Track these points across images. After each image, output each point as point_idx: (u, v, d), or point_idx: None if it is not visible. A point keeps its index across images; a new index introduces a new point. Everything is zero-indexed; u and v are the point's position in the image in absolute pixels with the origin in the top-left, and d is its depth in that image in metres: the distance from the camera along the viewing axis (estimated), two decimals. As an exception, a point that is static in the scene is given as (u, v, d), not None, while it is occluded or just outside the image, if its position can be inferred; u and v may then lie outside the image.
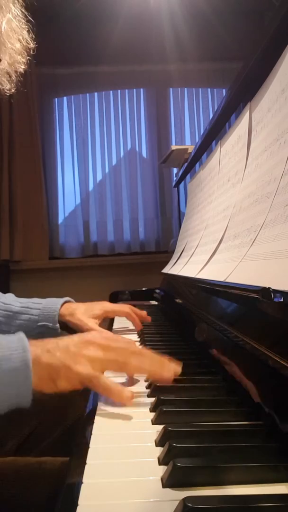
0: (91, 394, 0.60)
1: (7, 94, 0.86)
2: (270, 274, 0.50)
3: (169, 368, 0.59)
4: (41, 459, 0.62)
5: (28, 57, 0.84)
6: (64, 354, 0.56)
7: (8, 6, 0.77)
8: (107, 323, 1.25)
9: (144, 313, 1.10)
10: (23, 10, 0.81)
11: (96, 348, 0.58)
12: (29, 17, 0.83)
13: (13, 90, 0.86)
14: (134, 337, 1.02)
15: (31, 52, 0.84)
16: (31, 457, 0.65)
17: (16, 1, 0.80)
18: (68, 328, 0.96)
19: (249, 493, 0.33)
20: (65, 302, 1.00)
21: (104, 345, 0.59)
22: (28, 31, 0.83)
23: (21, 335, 0.57)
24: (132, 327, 1.10)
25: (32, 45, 0.84)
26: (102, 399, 0.57)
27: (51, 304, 0.97)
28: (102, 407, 0.54)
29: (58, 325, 0.94)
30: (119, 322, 1.23)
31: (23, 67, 0.84)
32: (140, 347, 0.86)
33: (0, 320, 0.95)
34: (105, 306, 1.04)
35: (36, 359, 0.54)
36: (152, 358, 0.60)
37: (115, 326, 1.20)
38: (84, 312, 0.98)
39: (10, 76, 0.83)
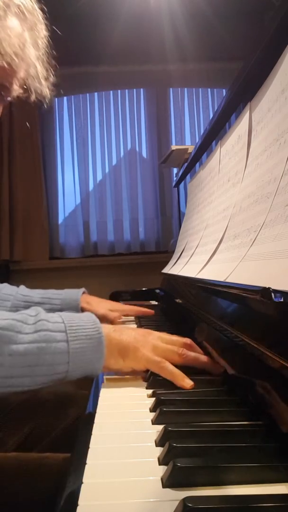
0: (91, 394, 0.60)
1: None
2: (270, 274, 0.50)
3: (188, 383, 0.59)
4: (43, 455, 0.63)
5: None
6: (131, 338, 0.61)
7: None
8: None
9: (151, 311, 1.20)
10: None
11: (157, 338, 0.63)
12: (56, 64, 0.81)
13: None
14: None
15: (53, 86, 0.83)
16: (33, 453, 0.65)
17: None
18: None
19: (249, 493, 0.33)
20: (83, 292, 1.10)
21: (162, 337, 0.64)
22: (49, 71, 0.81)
23: (89, 313, 0.63)
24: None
25: (52, 77, 0.82)
26: (103, 399, 0.57)
27: (72, 294, 1.06)
28: (102, 407, 0.54)
29: (81, 312, 0.99)
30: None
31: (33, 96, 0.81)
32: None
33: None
34: (114, 306, 1.15)
35: (108, 336, 0.59)
36: (195, 360, 0.64)
37: None
38: (99, 301, 1.10)
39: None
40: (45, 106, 0.84)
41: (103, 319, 1.01)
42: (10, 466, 0.61)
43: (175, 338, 0.67)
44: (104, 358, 0.58)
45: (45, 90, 0.79)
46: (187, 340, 0.67)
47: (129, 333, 0.63)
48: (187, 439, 0.42)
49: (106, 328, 0.61)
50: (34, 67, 0.73)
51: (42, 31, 0.73)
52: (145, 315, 1.20)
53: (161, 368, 0.59)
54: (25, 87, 0.74)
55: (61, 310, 1.00)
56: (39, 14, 0.71)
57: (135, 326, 1.11)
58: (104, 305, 1.10)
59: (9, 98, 0.73)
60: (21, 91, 0.74)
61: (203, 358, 0.64)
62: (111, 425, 0.49)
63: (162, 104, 2.92)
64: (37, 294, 1.05)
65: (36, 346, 0.54)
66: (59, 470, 0.56)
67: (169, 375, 0.59)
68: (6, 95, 0.72)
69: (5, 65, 0.65)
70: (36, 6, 0.70)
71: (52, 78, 0.80)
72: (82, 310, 1.03)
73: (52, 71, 0.80)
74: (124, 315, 1.19)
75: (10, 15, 0.65)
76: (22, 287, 1.08)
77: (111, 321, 1.07)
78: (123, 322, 1.17)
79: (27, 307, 0.98)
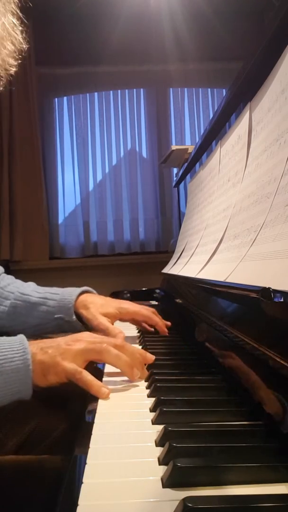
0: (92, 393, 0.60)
1: None
2: (270, 274, 0.50)
3: (136, 374, 0.64)
4: (42, 457, 0.63)
5: (19, 58, 0.83)
6: (55, 351, 0.62)
7: (4, 8, 0.77)
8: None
9: (167, 323, 1.00)
10: (17, 11, 0.80)
11: (83, 342, 0.64)
12: (23, 18, 0.82)
13: (1, 88, 0.86)
14: (134, 334, 1.02)
15: (23, 54, 0.84)
16: (31, 456, 0.65)
17: (12, 1, 0.79)
18: (81, 319, 0.95)
19: (249, 493, 0.33)
20: (83, 292, 0.97)
21: (90, 340, 0.65)
22: (21, 31, 0.83)
23: (22, 337, 0.64)
24: (131, 333, 1.04)
25: (24, 45, 0.84)
26: (103, 399, 0.57)
27: (68, 295, 0.96)
28: (102, 407, 0.54)
29: (74, 317, 0.94)
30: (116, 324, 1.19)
31: (14, 69, 0.84)
32: (138, 346, 0.86)
33: (20, 311, 0.97)
34: (123, 305, 0.97)
35: (32, 357, 0.61)
36: (132, 354, 0.65)
37: None
38: (99, 307, 0.93)
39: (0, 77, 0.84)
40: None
41: (101, 332, 0.87)
42: (8, 469, 0.61)
43: (105, 339, 0.68)
44: (31, 384, 0.60)
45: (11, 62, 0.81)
46: (116, 340, 0.67)
47: (56, 346, 0.63)
48: (187, 439, 0.42)
49: (34, 348, 0.62)
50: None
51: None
52: (160, 324, 0.98)
53: (77, 380, 0.60)
54: None
55: (54, 313, 0.95)
56: None
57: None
58: (106, 309, 0.93)
59: None
60: None
61: (121, 362, 0.64)
62: (111, 425, 0.49)
63: (162, 104, 2.92)
64: (37, 293, 1.00)
65: None
66: (58, 473, 0.56)
67: (84, 385, 0.59)
68: None
69: None
70: None
71: (22, 29, 0.81)
72: (78, 315, 0.93)
73: (22, 22, 0.81)
74: (132, 319, 1.00)
75: None
76: (29, 283, 1.04)
77: (111, 335, 0.85)
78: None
79: (25, 308, 0.98)
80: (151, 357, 0.68)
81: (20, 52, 0.83)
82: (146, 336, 0.97)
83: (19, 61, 0.83)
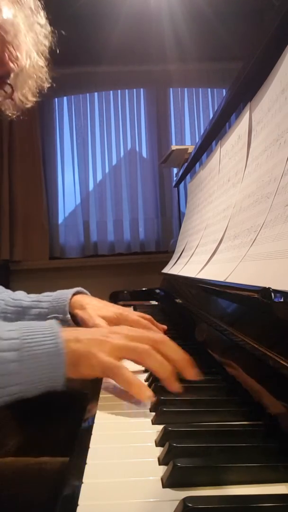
0: (92, 393, 0.60)
1: (10, 116, 0.87)
2: (270, 274, 0.51)
3: (173, 385, 0.56)
4: (41, 460, 0.63)
5: (38, 95, 0.86)
6: (91, 342, 0.57)
7: (36, 48, 0.79)
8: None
9: (164, 327, 0.96)
10: (46, 51, 0.82)
11: (121, 337, 0.59)
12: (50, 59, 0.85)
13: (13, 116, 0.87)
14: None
15: (43, 91, 0.86)
16: (31, 458, 0.65)
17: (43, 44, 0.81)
18: (76, 321, 0.90)
19: (249, 493, 0.32)
20: (77, 292, 0.95)
21: (131, 335, 0.59)
22: (46, 72, 0.85)
23: (52, 321, 0.59)
24: None
25: (47, 84, 0.86)
26: (103, 399, 0.57)
27: (61, 295, 0.93)
28: (102, 407, 0.54)
29: (69, 316, 0.89)
30: None
31: (30, 104, 0.85)
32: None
33: (11, 317, 0.92)
34: (123, 312, 0.91)
35: (65, 343, 0.55)
36: (175, 353, 0.59)
37: None
38: (96, 309, 0.90)
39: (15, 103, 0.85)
40: (42, 99, 0.87)
41: None
42: (7, 471, 0.61)
43: (146, 334, 0.61)
44: (64, 371, 0.55)
45: (43, 77, 0.82)
46: (158, 337, 0.61)
47: (90, 336, 0.58)
48: (187, 439, 0.42)
49: (66, 335, 0.57)
50: (30, 52, 0.76)
51: (39, 19, 0.77)
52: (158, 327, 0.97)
53: (115, 375, 0.55)
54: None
55: (48, 314, 0.90)
56: (39, 8, 0.75)
57: None
58: (103, 312, 0.90)
59: (8, 88, 0.75)
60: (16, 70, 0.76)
61: (162, 369, 0.56)
62: (111, 425, 0.49)
63: (162, 104, 2.92)
64: (28, 298, 0.96)
65: None
66: (57, 475, 0.56)
67: (123, 383, 0.54)
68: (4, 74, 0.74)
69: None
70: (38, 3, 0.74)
71: (47, 70, 0.83)
72: (73, 316, 0.90)
73: (48, 63, 0.83)
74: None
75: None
76: (19, 292, 1.00)
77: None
78: None
79: (16, 313, 0.92)
80: (192, 371, 0.58)
81: (42, 89, 0.84)
82: None
83: (37, 99, 0.84)
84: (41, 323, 0.58)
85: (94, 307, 0.91)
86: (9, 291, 1.01)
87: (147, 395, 0.53)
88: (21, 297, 0.96)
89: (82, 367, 0.55)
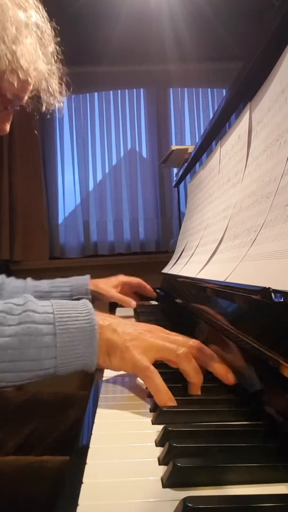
0: (91, 394, 0.60)
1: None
2: (270, 274, 0.51)
3: (198, 391, 0.56)
4: (42, 458, 0.63)
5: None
6: (126, 335, 0.56)
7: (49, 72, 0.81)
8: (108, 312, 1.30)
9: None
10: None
11: (158, 337, 0.58)
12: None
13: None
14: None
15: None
16: (31, 456, 0.65)
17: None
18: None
19: (249, 493, 0.33)
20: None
21: (167, 338, 0.58)
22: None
23: (85, 301, 0.59)
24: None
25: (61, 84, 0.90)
26: (103, 399, 0.57)
27: (79, 280, 1.10)
28: (102, 407, 0.54)
29: (90, 296, 1.02)
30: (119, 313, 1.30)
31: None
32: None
33: None
34: (120, 278, 1.22)
35: (99, 329, 0.55)
36: (211, 359, 0.57)
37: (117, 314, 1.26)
38: (105, 282, 1.15)
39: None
40: (49, 115, 0.90)
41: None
42: (8, 470, 0.61)
43: (181, 338, 0.59)
44: (97, 349, 0.54)
45: (55, 101, 0.86)
46: (195, 342, 0.59)
47: (125, 328, 0.57)
48: (187, 439, 0.42)
49: (100, 319, 0.56)
50: (46, 81, 0.81)
51: (52, 45, 0.79)
52: (146, 292, 1.29)
53: (146, 377, 0.53)
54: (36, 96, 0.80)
55: (71, 296, 1.02)
56: (50, 30, 0.77)
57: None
58: (110, 283, 1.15)
59: (17, 107, 0.79)
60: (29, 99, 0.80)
61: (195, 376, 0.55)
62: (111, 425, 0.49)
63: (162, 104, 2.92)
64: (45, 283, 1.06)
65: (18, 340, 0.51)
66: (57, 474, 0.56)
67: (152, 388, 0.52)
68: (18, 104, 0.78)
69: (25, 79, 0.72)
70: (48, 24, 0.76)
71: (62, 90, 0.87)
72: (92, 293, 1.07)
73: (63, 84, 0.87)
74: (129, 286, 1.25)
75: (28, 33, 0.70)
76: (29, 279, 1.10)
77: (126, 304, 1.14)
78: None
79: (38, 297, 0.97)
80: (230, 377, 0.56)
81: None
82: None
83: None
84: (75, 302, 0.59)
85: (103, 281, 1.15)
86: (21, 279, 1.10)
87: (171, 404, 0.51)
88: (37, 283, 1.06)
89: (114, 358, 0.55)
